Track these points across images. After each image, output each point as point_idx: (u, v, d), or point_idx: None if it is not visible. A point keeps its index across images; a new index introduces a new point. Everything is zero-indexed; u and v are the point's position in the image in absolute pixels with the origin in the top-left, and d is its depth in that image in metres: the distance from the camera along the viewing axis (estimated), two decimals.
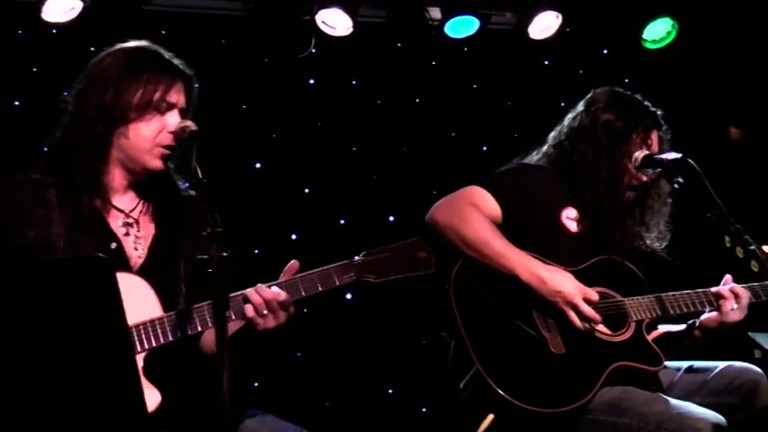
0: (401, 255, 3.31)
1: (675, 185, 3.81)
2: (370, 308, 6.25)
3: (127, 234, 3.28)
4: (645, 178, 3.96)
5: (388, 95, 6.67)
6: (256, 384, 5.97)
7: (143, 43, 3.39)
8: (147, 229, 3.33)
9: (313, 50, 6.07)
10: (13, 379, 2.34)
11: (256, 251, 6.10)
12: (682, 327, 3.98)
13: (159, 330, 3.07)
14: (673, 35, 6.25)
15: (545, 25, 6.19)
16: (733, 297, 3.89)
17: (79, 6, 5.57)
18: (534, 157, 4.14)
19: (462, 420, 3.69)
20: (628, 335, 3.78)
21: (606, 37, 6.47)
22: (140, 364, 3.02)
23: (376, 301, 6.14)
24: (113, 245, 3.23)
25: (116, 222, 3.28)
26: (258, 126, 6.37)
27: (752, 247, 3.65)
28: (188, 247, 3.26)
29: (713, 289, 3.92)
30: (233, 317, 3.13)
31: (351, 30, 5.97)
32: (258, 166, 6.40)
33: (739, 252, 3.66)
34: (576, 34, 6.36)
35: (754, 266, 3.72)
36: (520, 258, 3.73)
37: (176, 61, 3.36)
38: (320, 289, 3.23)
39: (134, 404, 2.39)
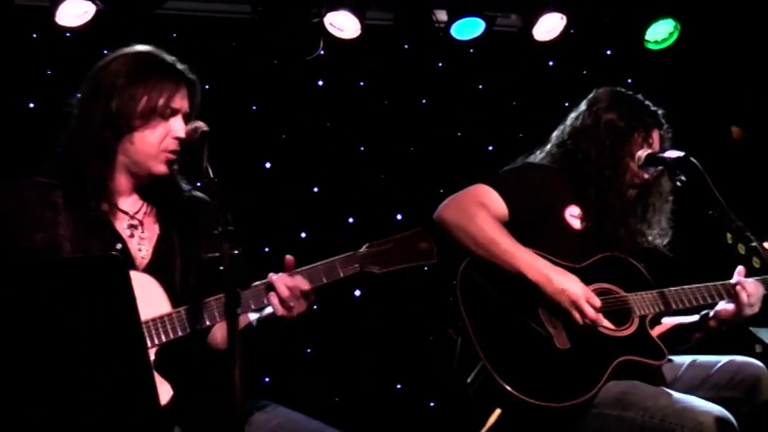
0: (403, 245, 3.31)
1: (678, 183, 3.81)
2: (378, 304, 6.26)
3: (131, 236, 3.29)
4: (647, 176, 3.97)
5: (396, 96, 6.67)
6: (267, 380, 5.97)
7: (146, 48, 3.38)
8: (152, 230, 3.33)
9: (321, 52, 6.07)
10: (31, 374, 2.36)
11: (266, 249, 6.10)
12: (695, 318, 3.98)
13: (169, 326, 3.09)
14: (675, 36, 6.24)
15: (550, 27, 6.19)
16: (751, 288, 3.88)
17: (92, 10, 5.58)
18: (538, 156, 4.14)
19: (470, 415, 3.70)
20: (631, 330, 3.78)
21: (610, 38, 6.46)
22: (152, 358, 3.03)
23: (383, 297, 6.15)
24: (118, 246, 3.24)
25: (121, 224, 3.28)
26: (268, 127, 6.38)
27: (753, 244, 3.65)
28: (199, 246, 3.27)
29: (734, 279, 3.91)
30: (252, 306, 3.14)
31: (358, 32, 5.97)
32: (268, 165, 6.41)
33: (741, 249, 3.66)
34: (579, 35, 6.36)
35: (756, 263, 3.72)
36: (527, 257, 3.73)
37: (179, 66, 3.35)
38: (324, 281, 3.23)
39: (148, 398, 2.41)
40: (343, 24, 5.97)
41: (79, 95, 3.33)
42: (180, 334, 3.09)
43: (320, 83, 6.56)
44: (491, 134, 6.77)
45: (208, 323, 3.10)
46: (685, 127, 4.28)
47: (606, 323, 3.75)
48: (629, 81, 6.16)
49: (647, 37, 6.25)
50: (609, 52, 6.69)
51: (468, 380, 3.66)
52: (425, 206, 3.98)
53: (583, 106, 4.10)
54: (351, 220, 6.51)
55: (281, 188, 6.31)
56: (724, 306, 3.92)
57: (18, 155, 5.74)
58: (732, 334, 4.06)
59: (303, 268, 3.22)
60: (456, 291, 3.73)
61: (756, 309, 3.92)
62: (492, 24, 6.18)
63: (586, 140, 3.99)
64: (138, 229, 3.30)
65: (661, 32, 6.26)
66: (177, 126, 3.25)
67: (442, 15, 6.22)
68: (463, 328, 3.68)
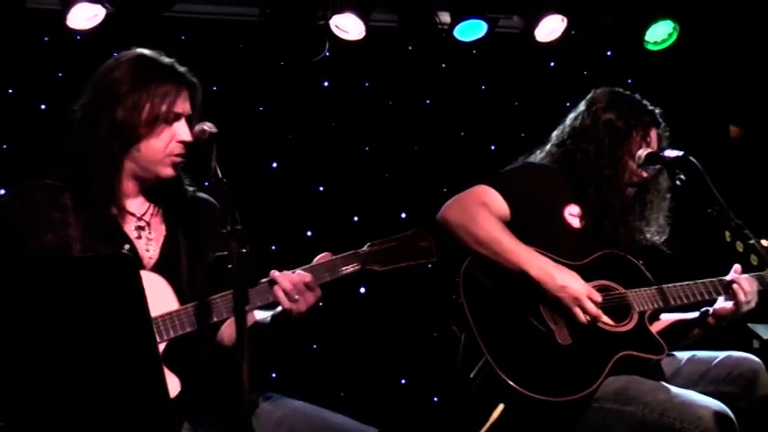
0: (405, 244, 3.34)
1: (678, 182, 3.81)
2: (383, 301, 6.27)
3: (139, 237, 3.30)
4: (645, 174, 3.97)
5: (400, 97, 6.68)
6: (274, 375, 5.98)
7: (146, 52, 3.37)
8: (158, 231, 3.34)
9: (327, 54, 6.08)
10: (45, 367, 2.40)
11: (273, 247, 6.11)
12: (694, 314, 3.99)
13: (177, 322, 3.10)
14: (674, 37, 6.24)
15: (551, 28, 6.19)
16: (747, 285, 3.89)
17: (102, 14, 5.59)
18: (538, 156, 4.14)
19: (473, 410, 3.70)
20: (631, 325, 3.79)
21: (610, 39, 6.46)
22: (162, 353, 3.04)
23: (388, 294, 6.16)
24: (126, 246, 3.25)
25: (129, 226, 3.30)
26: (274, 127, 6.38)
27: (751, 242, 3.66)
28: (205, 245, 3.28)
29: (729, 277, 3.91)
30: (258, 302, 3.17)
31: (363, 34, 5.98)
32: (275, 165, 6.42)
33: (739, 246, 3.67)
34: (580, 37, 6.36)
35: (754, 260, 3.73)
36: (528, 255, 3.74)
37: (179, 68, 3.35)
38: (327, 278, 3.25)
39: (157, 391, 2.43)
40: (349, 26, 5.98)
41: (82, 101, 3.34)
42: (188, 330, 3.10)
43: (326, 84, 6.56)
44: (493, 134, 6.78)
45: (215, 319, 3.12)
46: (684, 126, 4.28)
47: (606, 319, 3.76)
48: (629, 81, 6.16)
49: (646, 38, 6.25)
50: (609, 53, 6.69)
51: (472, 375, 3.66)
52: (429, 205, 3.98)
53: (582, 106, 4.10)
54: (356, 218, 6.51)
55: (287, 187, 6.32)
56: (722, 304, 3.92)
57: (29, 156, 5.75)
58: (730, 330, 4.06)
59: (306, 266, 3.23)
60: (459, 288, 3.73)
61: (753, 304, 3.92)
62: (494, 26, 6.19)
63: (586, 140, 3.99)
64: (145, 230, 3.32)
65: (660, 33, 6.26)
66: (181, 129, 3.26)
67: (445, 17, 6.22)
68: (466, 325, 3.68)
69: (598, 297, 3.72)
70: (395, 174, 6.62)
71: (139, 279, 2.39)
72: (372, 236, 3.39)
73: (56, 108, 5.91)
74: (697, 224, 3.86)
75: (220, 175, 2.98)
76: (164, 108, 3.23)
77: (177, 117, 3.26)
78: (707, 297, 3.93)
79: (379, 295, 6.26)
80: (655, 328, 3.96)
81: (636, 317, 3.81)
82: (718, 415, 3.44)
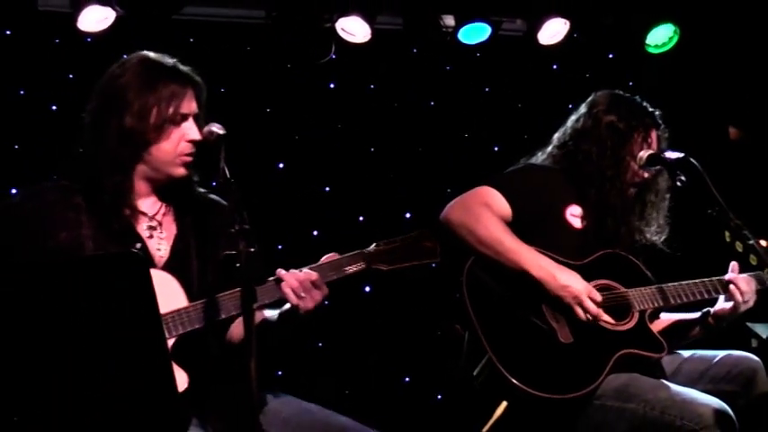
0: (409, 245, 3.36)
1: (678, 183, 3.81)
2: (387, 300, 6.27)
3: (150, 236, 3.31)
4: (646, 175, 3.98)
5: (405, 99, 6.68)
6: (279, 373, 5.99)
7: (150, 55, 3.38)
8: (170, 230, 3.36)
9: (333, 56, 6.08)
10: (58, 362, 2.42)
11: (280, 247, 6.12)
12: (695, 314, 3.99)
13: (186, 318, 3.12)
14: (675, 40, 6.24)
15: (554, 31, 6.19)
16: (744, 285, 3.88)
17: (112, 16, 5.60)
18: (540, 158, 4.15)
19: (476, 408, 3.70)
20: (631, 324, 3.79)
21: (611, 42, 6.46)
22: (170, 348, 3.06)
23: (393, 293, 6.16)
24: (138, 245, 3.26)
25: (141, 226, 3.31)
26: (281, 128, 6.38)
27: (750, 242, 3.66)
28: (214, 244, 3.29)
29: (726, 276, 3.91)
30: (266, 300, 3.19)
31: (369, 36, 5.98)
32: (281, 166, 6.42)
33: (739, 246, 3.67)
34: (582, 40, 6.35)
35: (753, 260, 3.73)
36: (530, 255, 3.74)
37: (183, 68, 3.36)
38: (333, 277, 3.27)
39: (166, 385, 2.45)
40: (354, 29, 5.98)
41: (91, 107, 3.35)
42: (196, 326, 3.12)
43: (332, 86, 6.56)
44: (497, 135, 6.78)
45: (223, 316, 3.13)
46: (684, 128, 4.28)
47: (607, 318, 3.76)
48: (630, 84, 6.17)
49: (647, 41, 6.25)
50: (611, 56, 6.68)
51: (475, 372, 3.67)
52: (433, 205, 3.98)
53: (583, 109, 4.11)
54: (361, 218, 6.51)
55: (293, 188, 6.32)
56: (722, 304, 3.92)
57: (40, 156, 5.77)
58: (729, 329, 4.06)
59: (313, 265, 3.24)
60: (462, 287, 3.74)
61: (751, 303, 3.92)
62: (498, 29, 6.19)
63: (587, 142, 4.00)
64: (156, 229, 3.33)
65: (661, 37, 6.26)
66: (190, 129, 3.27)
67: (449, 20, 6.22)
68: (470, 323, 3.69)
69: (598, 296, 3.73)
70: (399, 174, 6.61)
71: (149, 277, 2.40)
72: (377, 235, 3.41)
73: (66, 109, 5.92)
74: (697, 224, 3.86)
75: (228, 176, 3.00)
76: (171, 110, 3.24)
77: (185, 117, 3.27)
78: (706, 296, 3.93)
79: (384, 294, 6.27)
80: (655, 327, 3.97)
81: (636, 316, 3.81)
82: (718, 412, 3.45)
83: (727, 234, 3.67)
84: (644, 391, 3.56)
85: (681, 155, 3.83)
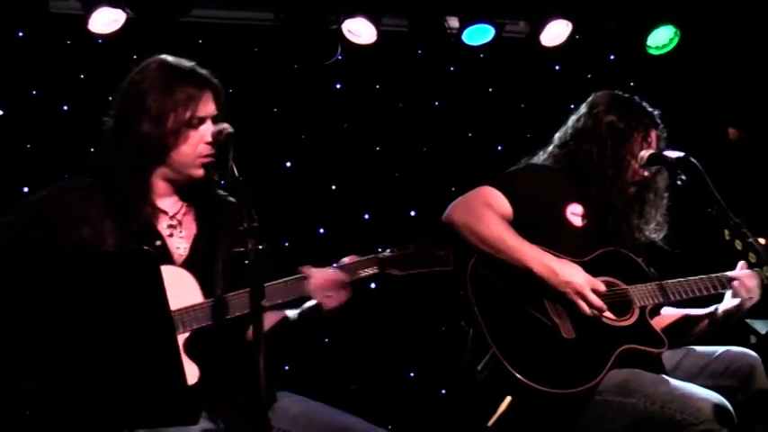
0: (423, 252, 3.38)
1: (679, 182, 3.82)
2: (392, 297, 6.27)
3: (171, 235, 3.34)
4: (646, 174, 3.98)
5: (410, 99, 6.69)
6: (286, 368, 6.00)
7: (168, 59, 3.39)
8: (189, 229, 3.37)
9: (339, 57, 6.09)
10: (69, 356, 2.46)
11: (287, 244, 6.13)
12: (703, 310, 3.99)
13: (200, 314, 3.14)
14: (675, 42, 6.24)
15: (556, 33, 6.20)
16: (748, 281, 3.89)
17: (122, 18, 5.61)
18: (541, 157, 4.15)
19: (480, 402, 3.71)
20: (632, 320, 3.80)
21: (613, 44, 6.47)
22: (183, 342, 3.09)
23: (398, 290, 6.16)
24: (158, 242, 3.29)
25: (161, 224, 3.34)
26: (288, 128, 6.40)
27: (749, 240, 3.66)
28: (232, 243, 3.31)
29: (731, 273, 3.92)
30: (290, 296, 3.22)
31: (375, 38, 5.99)
32: (288, 165, 6.44)
33: (738, 244, 3.67)
34: (584, 41, 6.36)
35: (752, 258, 3.73)
36: (533, 252, 3.74)
37: (201, 71, 3.37)
38: (347, 279, 3.30)
39: (176, 379, 2.48)
40: (360, 31, 5.99)
41: (112, 112, 3.36)
42: (209, 322, 3.14)
43: (338, 86, 6.58)
44: (500, 135, 6.78)
45: (236, 313, 3.14)
46: (684, 128, 4.28)
47: (608, 314, 3.76)
48: (632, 84, 6.18)
49: (648, 42, 6.26)
50: (612, 57, 6.69)
51: (479, 367, 3.67)
52: (437, 203, 3.99)
53: (583, 109, 4.11)
54: (366, 216, 6.52)
55: (300, 186, 6.33)
56: (729, 300, 3.93)
57: (52, 155, 5.79)
58: (719, 330, 4.06)
59: (327, 268, 3.27)
60: (466, 284, 3.74)
61: (756, 299, 3.92)
62: (501, 31, 6.20)
63: (588, 141, 4.00)
64: (176, 228, 3.35)
65: (662, 38, 6.27)
66: (208, 131, 3.28)
67: (453, 22, 6.24)
68: (474, 320, 3.69)
69: (602, 287, 3.72)
70: (405, 173, 6.62)
71: (159, 273, 2.42)
72: (383, 233, 3.42)
73: (77, 109, 5.94)
74: (698, 223, 3.87)
75: (237, 174, 3.01)
76: (188, 114, 3.26)
77: (202, 120, 3.28)
78: (705, 293, 3.93)
79: (389, 291, 6.27)
80: (661, 321, 3.98)
81: (637, 312, 3.82)
82: (717, 407, 3.45)
83: (726, 232, 3.68)
84: (644, 386, 3.57)
85: (681, 154, 3.83)
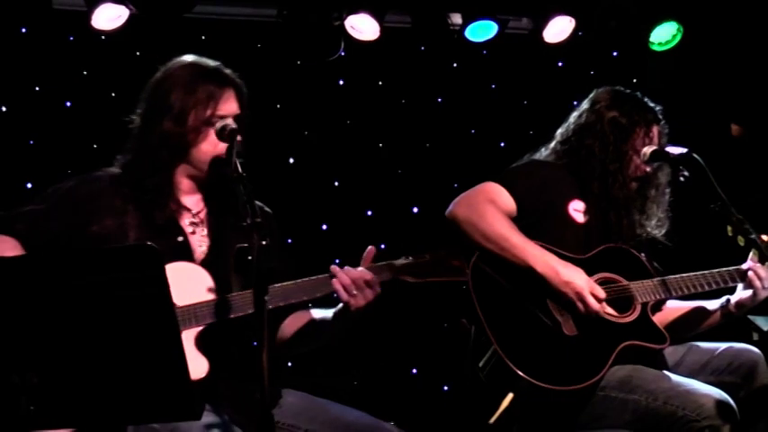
0: (438, 261, 3.37)
1: (681, 178, 3.83)
2: (396, 294, 6.26)
3: (193, 232, 3.36)
4: (648, 170, 3.98)
5: (412, 95, 6.69)
6: (289, 364, 6.01)
7: (191, 59, 3.42)
8: (212, 228, 3.39)
9: (342, 53, 6.09)
10: (73, 349, 2.47)
11: (289, 240, 6.12)
12: (714, 302, 3.99)
13: (213, 310, 3.15)
14: (678, 38, 6.24)
15: (559, 29, 6.20)
16: (763, 271, 3.88)
17: (125, 15, 5.62)
18: (543, 154, 4.15)
19: (483, 399, 3.71)
20: (634, 316, 3.80)
21: (616, 40, 6.45)
22: (195, 336, 3.13)
23: (400, 287, 6.16)
24: (180, 238, 3.32)
25: (185, 220, 3.36)
26: (291, 124, 6.40)
27: (752, 236, 3.67)
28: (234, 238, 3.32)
29: (745, 265, 3.90)
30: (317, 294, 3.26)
31: (378, 34, 6.00)
32: (291, 161, 6.44)
33: (741, 240, 3.68)
34: (587, 38, 6.36)
35: (755, 254, 3.75)
36: (535, 251, 3.74)
37: (225, 70, 3.40)
38: (374, 279, 3.30)
39: (178, 373, 2.49)
40: (363, 27, 5.99)
41: (138, 112, 3.40)
42: (223, 318, 3.15)
43: (341, 82, 6.58)
44: (503, 131, 6.79)
45: (249, 311, 3.14)
46: (687, 124, 4.28)
47: (610, 311, 3.76)
48: (634, 81, 6.17)
49: (651, 39, 6.26)
50: (615, 53, 6.68)
51: (480, 364, 3.68)
52: (440, 199, 3.99)
53: (585, 105, 4.11)
54: (369, 212, 6.53)
55: (303, 182, 6.34)
56: (741, 292, 3.92)
57: (55, 151, 5.80)
58: (731, 322, 4.06)
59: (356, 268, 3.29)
60: (468, 281, 3.74)
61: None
62: (504, 27, 6.20)
63: (590, 137, 4.00)
64: (199, 226, 3.38)
65: (665, 34, 6.26)
66: None
67: (456, 18, 6.23)
68: (475, 316, 3.69)
69: (602, 293, 3.72)
70: (407, 169, 6.63)
71: (163, 268, 2.44)
72: (385, 229, 3.43)
73: (81, 106, 5.95)
74: (700, 219, 3.87)
75: (240, 170, 3.02)
76: (208, 112, 3.28)
77: (223, 118, 3.30)
78: (707, 288, 3.92)
79: (391, 288, 6.27)
80: (669, 315, 3.99)
81: (639, 308, 3.82)
82: (720, 403, 3.46)
83: (729, 228, 3.69)
84: (647, 381, 3.58)
85: (684, 150, 3.84)
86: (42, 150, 5.85)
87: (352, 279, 3.21)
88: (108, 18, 5.61)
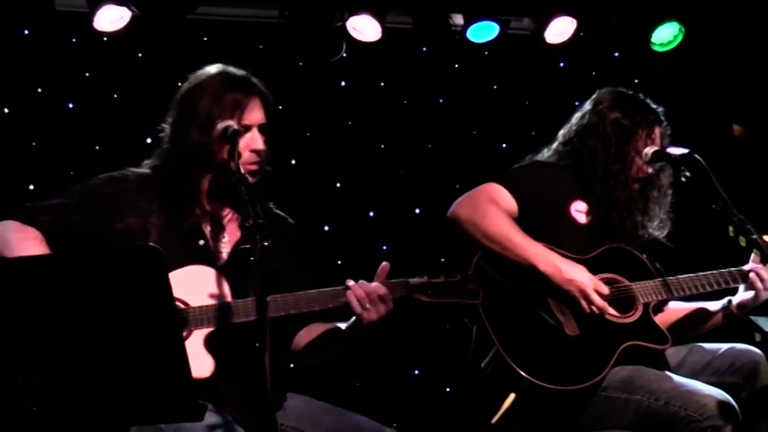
0: (454, 283, 3.35)
1: (683, 179, 3.83)
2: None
3: (215, 238, 3.38)
4: (650, 170, 3.98)
5: (414, 96, 6.69)
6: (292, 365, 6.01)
7: (218, 68, 3.43)
8: (233, 235, 3.41)
9: (344, 55, 6.09)
10: (76, 349, 2.49)
11: None
12: (716, 303, 4.00)
13: (224, 313, 3.16)
14: (680, 38, 6.24)
15: (560, 30, 6.20)
16: (766, 272, 3.88)
17: (128, 16, 5.62)
18: (545, 155, 4.16)
19: (485, 400, 3.72)
20: (636, 316, 3.80)
21: (617, 41, 6.45)
22: (205, 336, 3.14)
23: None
24: (201, 242, 3.34)
25: (207, 226, 3.38)
26: (293, 125, 6.40)
27: (754, 237, 3.67)
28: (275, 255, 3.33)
29: (747, 266, 3.91)
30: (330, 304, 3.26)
31: (379, 35, 5.99)
32: (293, 162, 6.44)
33: (742, 241, 3.68)
34: (589, 38, 6.36)
35: (756, 254, 3.75)
36: (537, 250, 3.75)
37: (252, 79, 3.41)
38: (388, 294, 3.30)
39: (180, 373, 2.50)
40: (365, 28, 5.99)
41: (168, 121, 3.41)
42: (231, 321, 3.16)
43: (343, 83, 6.58)
44: (505, 132, 6.79)
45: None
46: (688, 125, 4.28)
47: (612, 311, 3.77)
48: (636, 81, 6.18)
49: (652, 39, 6.25)
50: (617, 54, 6.68)
51: (483, 364, 3.68)
52: (442, 200, 4.00)
53: (587, 106, 4.12)
54: (371, 213, 6.53)
55: (305, 183, 6.34)
56: (743, 293, 3.93)
57: (57, 152, 5.80)
58: (732, 323, 4.06)
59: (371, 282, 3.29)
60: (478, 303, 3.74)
61: None
62: (506, 28, 6.20)
63: (593, 138, 4.01)
64: (221, 232, 3.39)
65: (666, 35, 6.25)
66: (253, 139, 3.33)
67: (458, 19, 6.23)
68: (477, 316, 3.70)
69: (605, 289, 3.73)
70: (409, 170, 6.63)
71: (166, 269, 2.45)
72: (387, 231, 3.43)
73: (83, 107, 5.96)
74: (702, 219, 3.87)
75: (243, 171, 3.03)
76: (234, 121, 3.27)
77: (248, 128, 3.31)
78: (710, 289, 3.93)
79: (404, 305, 6.27)
80: (672, 315, 3.99)
81: (641, 308, 3.82)
82: (721, 403, 3.47)
83: (731, 229, 3.69)
84: (648, 382, 3.58)
85: (686, 151, 3.85)
86: (44, 152, 5.86)
87: (366, 292, 3.21)
88: (110, 19, 5.61)
